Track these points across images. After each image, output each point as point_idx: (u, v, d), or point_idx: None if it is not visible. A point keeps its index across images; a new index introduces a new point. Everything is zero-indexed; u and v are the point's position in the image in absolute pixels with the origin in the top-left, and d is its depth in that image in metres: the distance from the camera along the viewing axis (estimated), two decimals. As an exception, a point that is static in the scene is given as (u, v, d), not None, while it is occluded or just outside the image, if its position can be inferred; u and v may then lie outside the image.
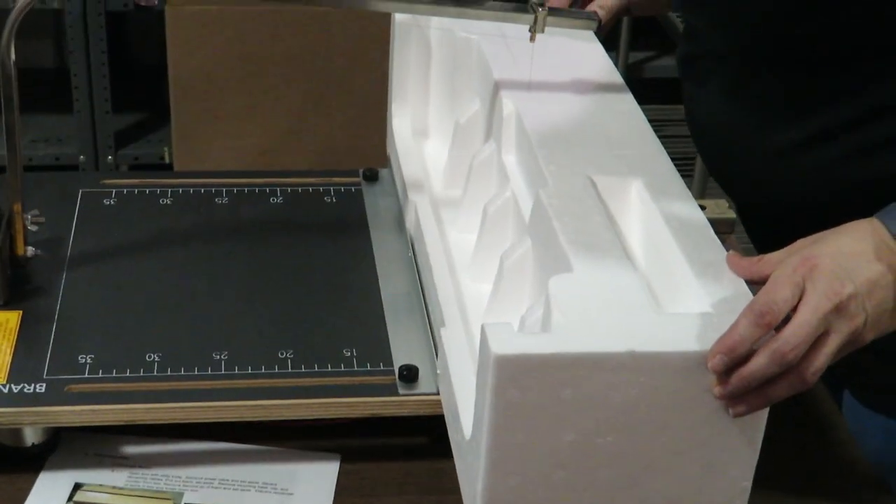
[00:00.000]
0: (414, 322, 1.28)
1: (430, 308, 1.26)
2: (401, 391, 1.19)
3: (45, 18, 3.09)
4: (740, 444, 0.99)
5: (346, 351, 1.23)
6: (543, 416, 0.95)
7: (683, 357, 0.95)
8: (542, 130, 1.23)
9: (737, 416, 0.96)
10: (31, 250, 1.33)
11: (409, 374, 1.19)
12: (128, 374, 1.19)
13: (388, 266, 1.37)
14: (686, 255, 1.05)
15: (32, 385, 1.17)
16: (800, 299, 0.95)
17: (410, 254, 1.36)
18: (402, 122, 1.52)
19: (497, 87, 1.31)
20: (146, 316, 1.28)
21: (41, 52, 3.19)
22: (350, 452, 1.23)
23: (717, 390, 0.95)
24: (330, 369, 1.21)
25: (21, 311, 1.27)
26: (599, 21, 1.36)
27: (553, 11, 1.29)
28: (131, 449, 1.22)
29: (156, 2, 1.22)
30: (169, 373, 1.19)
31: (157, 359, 1.21)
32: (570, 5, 1.45)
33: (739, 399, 0.95)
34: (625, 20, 3.11)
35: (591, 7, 1.44)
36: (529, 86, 1.31)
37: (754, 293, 0.98)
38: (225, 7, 2.49)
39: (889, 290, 0.98)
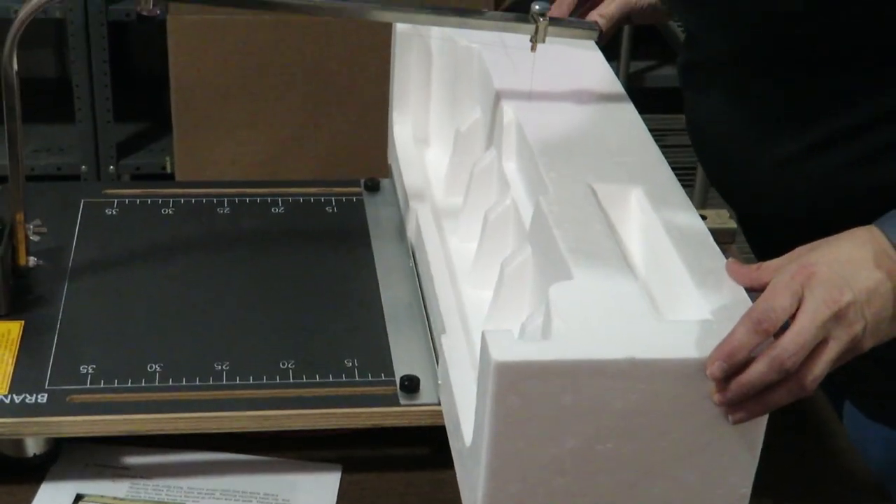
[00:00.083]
0: (415, 332, 1.28)
1: (430, 315, 1.26)
2: (402, 401, 1.19)
3: (47, 28, 3.10)
4: (740, 451, 0.99)
5: (348, 361, 1.23)
6: (544, 423, 0.95)
7: (683, 364, 0.95)
8: (542, 138, 1.24)
9: (736, 422, 0.96)
10: (32, 260, 1.33)
11: (411, 385, 1.19)
12: (129, 385, 1.19)
13: (389, 276, 1.37)
14: (686, 262, 1.06)
15: (34, 395, 1.17)
16: (798, 307, 0.95)
17: (411, 264, 1.36)
18: (402, 130, 1.52)
19: (498, 95, 1.31)
20: (148, 326, 1.28)
21: (43, 61, 3.19)
22: (351, 463, 1.23)
23: (716, 397, 0.95)
24: (331, 379, 1.21)
25: (23, 322, 1.27)
26: (600, 31, 1.36)
27: (554, 21, 1.29)
28: (133, 459, 1.22)
29: (158, 11, 1.22)
30: (170, 383, 1.19)
31: (158, 369, 1.21)
32: (572, 13, 1.45)
33: (739, 406, 0.96)
34: (626, 29, 3.11)
35: (592, 15, 1.44)
36: (530, 95, 1.31)
37: (754, 301, 0.98)
38: (226, 17, 2.49)
39: (888, 298, 0.98)
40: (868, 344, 0.98)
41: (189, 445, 1.22)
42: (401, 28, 1.48)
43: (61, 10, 2.72)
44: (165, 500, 1.18)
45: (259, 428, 1.18)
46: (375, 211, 1.50)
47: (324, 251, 1.42)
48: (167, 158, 2.88)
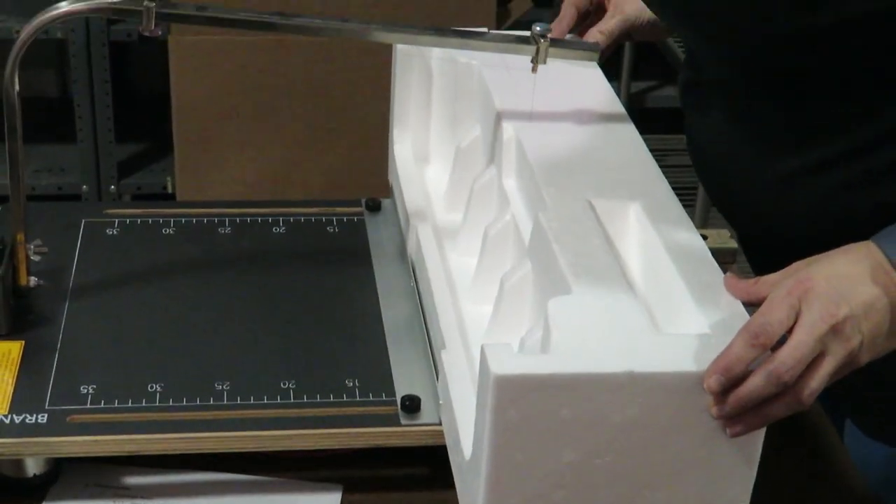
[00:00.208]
0: (416, 352, 1.28)
1: (430, 331, 1.26)
2: (403, 421, 1.19)
3: (49, 48, 3.11)
4: (737, 464, 1.00)
5: (349, 381, 1.23)
6: (543, 436, 0.96)
7: (681, 377, 0.96)
8: (541, 156, 1.24)
9: (734, 436, 0.97)
10: (33, 280, 1.33)
11: (411, 405, 1.19)
12: (130, 405, 1.19)
13: (390, 296, 1.37)
14: (684, 276, 1.07)
15: (34, 415, 1.16)
16: (796, 321, 0.96)
17: (412, 284, 1.36)
18: (403, 148, 1.53)
19: (498, 113, 1.32)
20: (148, 346, 1.28)
21: (45, 81, 3.20)
22: (352, 483, 1.22)
23: (714, 410, 0.96)
24: (332, 399, 1.21)
25: (23, 341, 1.26)
26: (601, 52, 1.37)
27: (555, 42, 1.29)
28: (133, 480, 1.21)
29: (160, 32, 1.22)
30: (171, 403, 1.19)
31: (159, 389, 1.21)
32: (571, 29, 1.46)
33: (736, 419, 0.96)
34: (627, 50, 3.12)
35: (592, 32, 1.45)
36: (530, 114, 1.32)
37: (751, 315, 0.99)
38: (228, 37, 2.50)
39: (885, 313, 0.99)
40: (865, 358, 0.98)
41: (189, 465, 1.21)
42: (401, 46, 1.48)
43: (63, 30, 2.73)
44: (165, 521, 1.18)
45: (260, 448, 1.18)
46: (376, 231, 1.50)
47: (325, 271, 1.42)
48: (168, 178, 2.88)
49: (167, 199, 2.83)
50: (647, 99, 3.20)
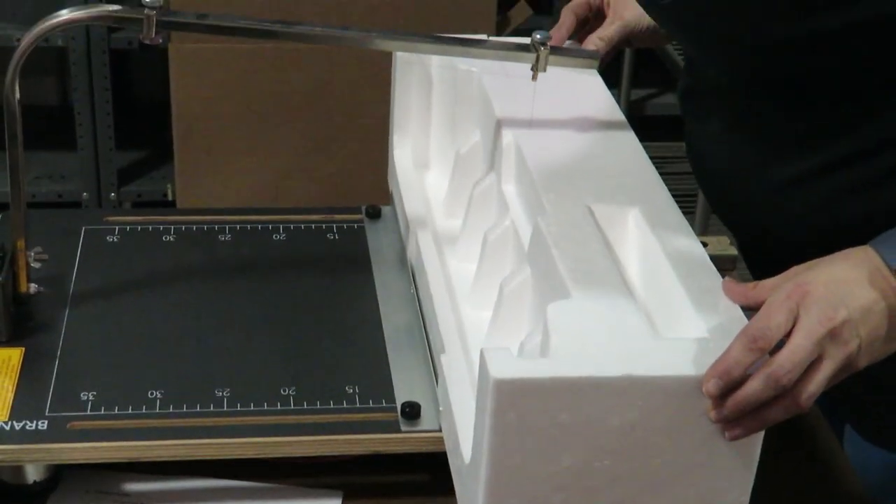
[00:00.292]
0: (416, 359, 1.28)
1: (430, 335, 1.26)
2: (403, 428, 1.19)
3: (49, 56, 3.11)
4: (736, 468, 1.00)
5: (349, 388, 1.23)
6: (542, 440, 0.96)
7: (679, 381, 0.96)
8: (541, 161, 1.25)
9: (732, 439, 0.98)
10: (33, 287, 1.33)
11: (412, 411, 1.19)
12: (130, 412, 1.19)
13: (390, 303, 1.37)
14: (682, 281, 1.07)
15: (34, 422, 1.17)
16: (794, 325, 0.96)
17: (412, 290, 1.36)
18: (403, 154, 1.53)
19: (497, 120, 1.32)
20: (148, 353, 1.28)
21: (45, 89, 3.20)
22: (352, 489, 1.22)
23: (712, 414, 0.97)
24: (332, 406, 1.21)
25: (24, 348, 1.27)
26: (601, 59, 1.37)
27: (555, 50, 1.30)
28: (133, 486, 1.21)
29: (160, 40, 1.23)
30: (171, 410, 1.19)
31: (159, 396, 1.21)
32: (572, 34, 1.46)
33: (735, 423, 0.97)
34: (627, 57, 3.12)
35: (591, 38, 1.45)
36: (530, 120, 1.32)
37: (750, 319, 0.99)
38: (228, 45, 2.50)
39: (882, 317, 0.99)
40: (863, 362, 0.99)
41: (190, 472, 1.21)
42: (401, 53, 1.48)
43: (63, 38, 2.74)
44: (166, 528, 1.18)
45: (260, 454, 1.18)
46: (376, 238, 1.50)
47: (325, 278, 1.42)
48: (168, 186, 2.89)
49: (167, 206, 2.84)
50: (647, 106, 3.21)
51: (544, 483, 0.98)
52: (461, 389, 1.13)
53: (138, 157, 3.02)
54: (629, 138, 1.33)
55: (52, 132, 3.02)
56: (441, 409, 1.17)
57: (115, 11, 1.22)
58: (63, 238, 1.46)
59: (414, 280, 1.37)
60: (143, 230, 1.49)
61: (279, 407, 1.21)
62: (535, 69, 1.29)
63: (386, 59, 1.55)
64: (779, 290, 1.00)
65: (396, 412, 1.20)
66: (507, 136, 1.30)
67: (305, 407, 1.21)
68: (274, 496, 1.21)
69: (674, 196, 1.22)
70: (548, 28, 1.37)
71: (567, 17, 1.47)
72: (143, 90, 3.21)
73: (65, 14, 1.21)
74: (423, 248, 1.34)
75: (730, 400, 0.95)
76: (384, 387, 1.24)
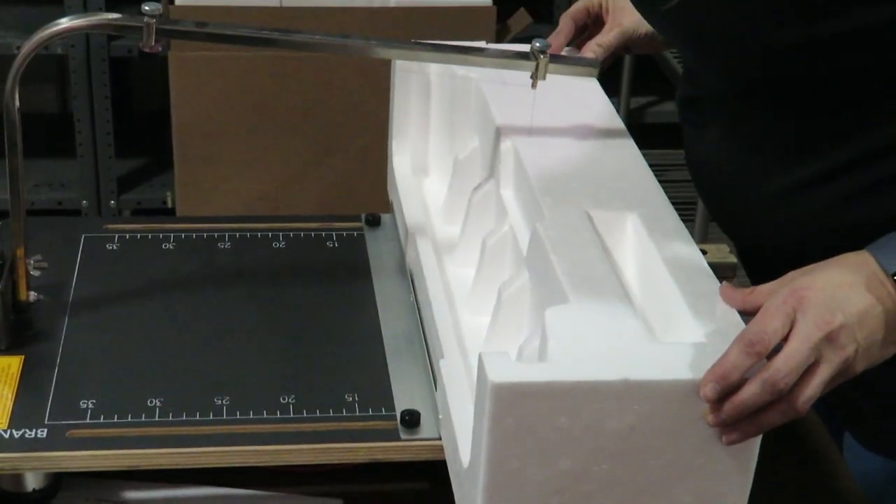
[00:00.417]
0: (416, 367, 1.28)
1: (429, 341, 1.26)
2: (402, 436, 1.19)
3: (49, 64, 3.11)
4: (734, 472, 1.00)
5: (348, 396, 1.23)
6: (540, 444, 0.97)
7: (677, 385, 0.96)
8: (539, 167, 1.25)
9: (730, 443, 0.98)
10: (33, 295, 1.33)
11: (411, 419, 1.19)
12: (129, 420, 1.19)
13: (389, 311, 1.37)
14: (680, 286, 1.08)
15: (34, 430, 1.16)
16: (791, 329, 0.97)
17: (412, 298, 1.36)
18: (402, 160, 1.53)
19: (496, 125, 1.32)
20: (148, 361, 1.28)
21: (45, 97, 3.20)
22: (352, 497, 1.22)
23: (710, 418, 0.97)
24: (331, 414, 1.21)
25: (23, 356, 1.26)
26: (600, 67, 1.37)
27: (555, 58, 1.30)
28: (132, 494, 1.21)
29: (160, 48, 1.23)
30: (170, 418, 1.19)
31: (158, 404, 1.21)
32: (570, 41, 1.46)
33: (732, 427, 0.97)
34: (626, 65, 3.13)
35: (590, 45, 1.45)
36: (529, 127, 1.32)
37: (747, 324, 0.99)
38: (228, 53, 2.50)
39: (879, 321, 0.99)
40: (860, 367, 0.99)
41: (189, 480, 1.21)
42: (400, 60, 1.49)
43: (63, 46, 2.74)
44: (165, 536, 1.18)
45: (259, 463, 1.18)
46: (376, 246, 1.50)
47: (324, 286, 1.42)
48: (168, 193, 2.89)
49: (167, 214, 2.84)
50: (647, 114, 3.21)
51: (542, 487, 0.99)
52: (460, 394, 1.13)
53: (138, 164, 3.03)
54: (628, 145, 1.33)
55: (51, 140, 3.03)
56: (440, 415, 1.17)
57: (115, 20, 1.22)
58: (62, 246, 1.46)
59: (413, 286, 1.37)
60: (142, 238, 1.49)
61: (279, 415, 1.20)
62: (534, 77, 1.29)
63: (385, 68, 1.55)
64: (776, 294, 1.00)
65: (396, 420, 1.20)
66: (506, 142, 1.30)
67: (305, 415, 1.21)
68: (273, 504, 1.21)
69: (673, 204, 1.22)
70: (547, 36, 1.37)
71: (565, 24, 1.48)
72: (142, 98, 3.21)
73: (64, 22, 1.21)
74: (422, 253, 1.34)
75: (727, 404, 0.96)
76: (384, 395, 1.24)
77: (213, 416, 1.20)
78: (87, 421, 1.18)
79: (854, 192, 1.18)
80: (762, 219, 1.26)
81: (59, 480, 1.21)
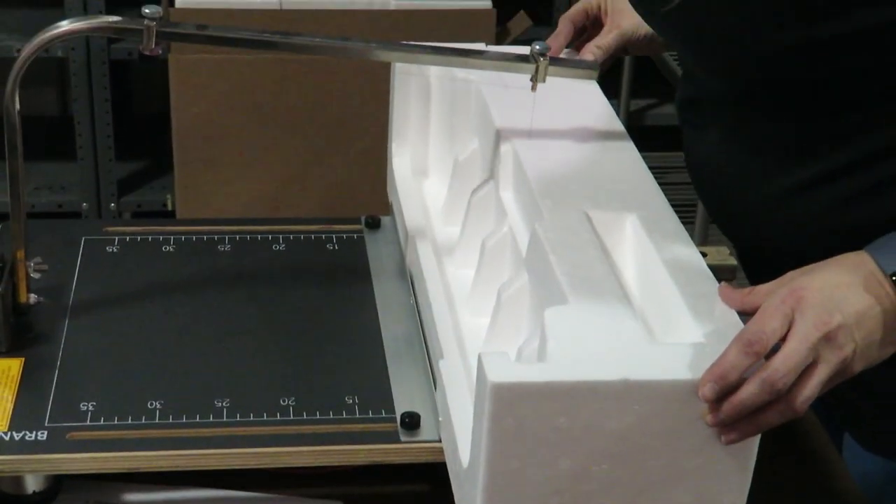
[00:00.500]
0: (416, 369, 1.28)
1: (429, 342, 1.27)
2: (402, 438, 1.19)
3: (50, 67, 3.11)
4: (732, 472, 1.01)
5: (348, 398, 1.23)
6: (539, 444, 0.97)
7: (676, 385, 0.97)
8: (539, 168, 1.25)
9: (728, 443, 0.98)
10: (33, 297, 1.33)
11: (411, 422, 1.19)
12: (129, 422, 1.19)
13: (389, 313, 1.37)
14: (679, 286, 1.08)
15: (34, 432, 1.16)
16: (789, 329, 0.97)
17: (412, 301, 1.36)
18: (401, 162, 1.53)
19: (495, 126, 1.32)
20: (148, 363, 1.28)
21: (45, 99, 3.20)
22: (352, 499, 1.22)
23: (708, 418, 0.97)
24: (331, 416, 1.21)
25: (23, 359, 1.27)
26: (600, 70, 1.37)
27: (555, 61, 1.30)
28: (133, 496, 1.21)
29: (160, 51, 1.23)
30: (171, 420, 1.19)
31: (158, 406, 1.21)
32: (569, 42, 1.46)
33: (731, 427, 0.98)
34: (626, 68, 3.13)
35: (589, 46, 1.45)
36: (528, 129, 1.32)
37: (746, 324, 1.00)
38: (228, 56, 2.50)
39: (877, 322, 1.00)
40: (858, 367, 1.00)
41: (189, 482, 1.21)
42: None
43: (63, 48, 2.74)
44: (165, 538, 1.18)
45: (259, 465, 1.18)
46: (376, 248, 1.50)
47: (324, 288, 1.42)
48: (168, 196, 2.89)
49: (167, 216, 2.84)
50: (647, 117, 3.21)
51: (542, 487, 0.99)
52: (459, 395, 1.14)
53: (138, 167, 3.03)
54: (627, 147, 1.33)
55: (51, 143, 3.03)
56: (440, 415, 1.17)
57: (115, 22, 1.22)
58: (63, 248, 1.46)
59: (413, 287, 1.37)
60: (142, 240, 1.49)
61: (279, 417, 1.20)
62: (534, 80, 1.29)
63: (385, 70, 1.55)
64: (774, 295, 1.01)
65: (396, 422, 1.20)
66: (506, 144, 1.30)
67: (305, 417, 1.21)
68: (273, 506, 1.22)
69: (674, 206, 1.22)
70: (546, 39, 1.37)
71: (564, 26, 1.48)
72: (142, 101, 3.21)
73: (65, 25, 1.21)
74: (422, 254, 1.34)
75: (726, 404, 0.96)
76: (384, 397, 1.24)
77: (214, 418, 1.20)
78: (88, 423, 1.18)
79: (854, 193, 1.18)
80: (762, 220, 1.26)
81: (59, 483, 1.21)
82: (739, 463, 1.00)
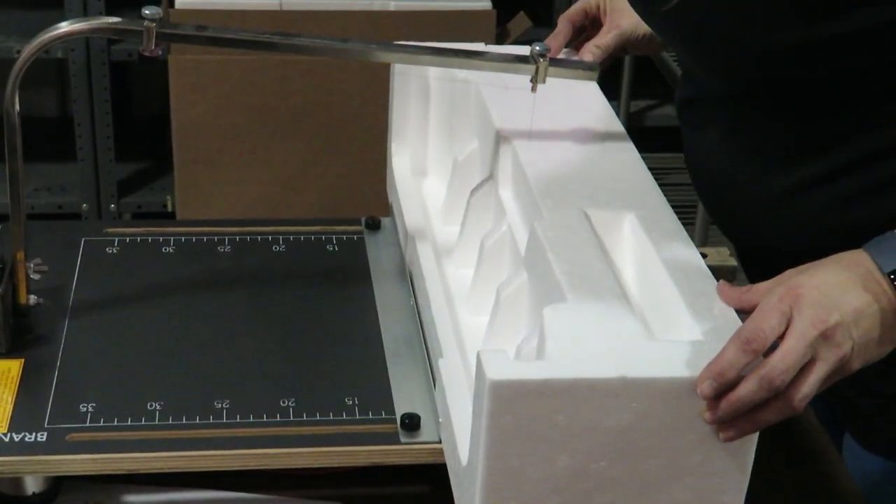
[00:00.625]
0: (416, 370, 1.28)
1: (428, 341, 1.27)
2: (402, 439, 1.19)
3: (50, 68, 3.11)
4: (731, 469, 1.01)
5: (348, 399, 1.23)
6: (538, 442, 0.97)
7: (674, 383, 0.97)
8: (538, 168, 1.26)
9: (727, 440, 0.99)
10: (33, 299, 1.33)
11: (411, 423, 1.19)
12: (129, 423, 1.19)
13: (389, 314, 1.37)
14: (677, 285, 1.08)
15: (33, 434, 1.16)
16: (787, 327, 0.97)
17: (412, 302, 1.36)
18: (401, 161, 1.53)
19: (494, 126, 1.32)
20: (148, 364, 1.28)
21: (45, 100, 3.20)
22: (352, 501, 1.22)
23: (707, 415, 0.98)
24: (331, 417, 1.21)
25: (23, 360, 1.27)
26: (599, 70, 1.37)
27: (555, 62, 1.30)
28: (132, 498, 1.21)
29: (160, 52, 1.23)
30: (170, 421, 1.19)
31: (158, 407, 1.21)
32: (569, 42, 1.46)
33: (729, 424, 0.98)
34: (626, 68, 3.13)
35: (588, 46, 1.45)
36: (528, 129, 1.32)
37: (744, 322, 1.00)
38: (228, 57, 2.50)
39: (875, 320, 1.00)
40: (856, 365, 1.00)
41: (189, 484, 1.21)
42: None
43: (63, 49, 2.74)
44: (165, 539, 1.18)
45: (259, 466, 1.18)
46: (376, 249, 1.50)
47: (324, 290, 1.42)
48: (168, 197, 2.89)
49: (167, 217, 2.84)
50: (647, 118, 3.21)
51: (540, 485, 0.99)
52: (459, 393, 1.14)
53: (138, 168, 3.03)
54: (627, 148, 1.33)
55: (51, 144, 3.03)
56: (439, 414, 1.17)
57: (115, 23, 1.22)
58: (63, 249, 1.46)
59: (412, 287, 1.37)
60: (142, 241, 1.49)
61: (279, 418, 1.20)
62: (534, 81, 1.29)
63: (385, 71, 1.55)
64: (772, 293, 1.01)
65: (396, 424, 1.20)
66: (506, 145, 1.30)
67: (305, 418, 1.21)
68: (273, 508, 1.21)
69: (674, 207, 1.22)
70: (546, 39, 1.37)
71: (563, 26, 1.48)
72: (142, 102, 3.21)
73: (65, 26, 1.21)
74: (421, 254, 1.35)
75: (724, 401, 0.96)
76: (384, 398, 1.24)
77: (213, 419, 1.20)
78: (87, 424, 1.18)
79: (854, 193, 1.18)
80: (762, 220, 1.26)
81: (58, 484, 1.21)
82: (738, 461, 1.00)
